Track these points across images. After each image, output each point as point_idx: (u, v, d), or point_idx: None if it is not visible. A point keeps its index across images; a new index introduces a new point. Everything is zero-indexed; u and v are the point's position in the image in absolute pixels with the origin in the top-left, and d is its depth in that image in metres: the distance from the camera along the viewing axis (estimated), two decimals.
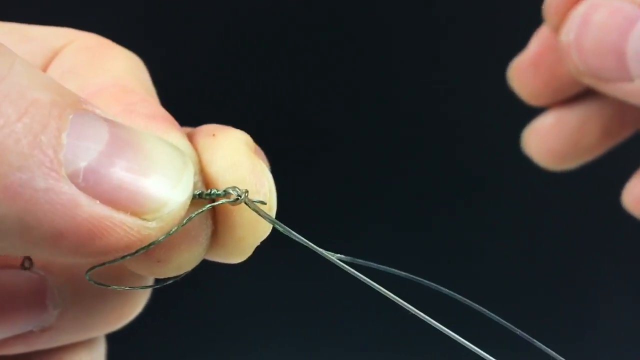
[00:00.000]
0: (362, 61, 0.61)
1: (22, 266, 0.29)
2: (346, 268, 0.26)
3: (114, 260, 0.23)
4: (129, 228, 0.22)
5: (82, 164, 0.21)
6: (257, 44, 0.61)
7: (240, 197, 0.25)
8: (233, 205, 0.25)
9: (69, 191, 0.20)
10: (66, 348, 0.31)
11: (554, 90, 0.41)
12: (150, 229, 0.22)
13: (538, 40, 0.40)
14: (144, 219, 0.22)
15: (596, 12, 0.34)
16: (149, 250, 0.23)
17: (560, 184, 0.63)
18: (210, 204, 0.25)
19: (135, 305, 0.32)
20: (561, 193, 0.63)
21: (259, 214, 0.25)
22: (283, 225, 0.26)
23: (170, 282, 0.26)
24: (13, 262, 0.29)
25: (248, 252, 0.27)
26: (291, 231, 0.26)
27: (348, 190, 0.63)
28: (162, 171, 0.22)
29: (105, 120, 0.22)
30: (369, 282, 0.26)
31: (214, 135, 0.26)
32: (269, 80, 0.61)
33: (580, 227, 0.64)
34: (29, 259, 0.29)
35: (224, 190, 0.25)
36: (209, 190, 0.25)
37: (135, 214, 0.22)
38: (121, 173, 0.21)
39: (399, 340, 0.65)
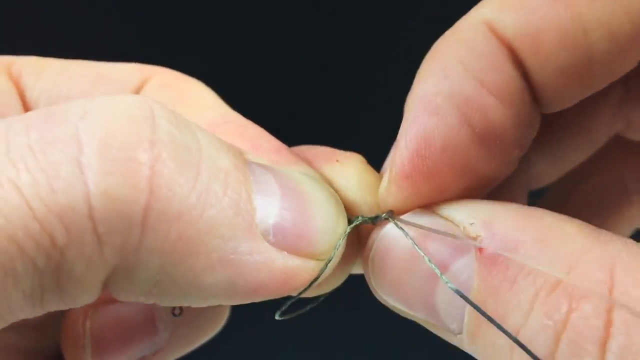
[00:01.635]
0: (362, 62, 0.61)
1: (172, 313, 0.30)
2: None
3: (296, 297, 0.26)
4: (312, 270, 0.24)
5: (271, 221, 0.23)
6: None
7: (388, 218, 0.27)
8: (376, 225, 0.27)
9: (266, 250, 0.23)
10: None
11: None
12: (315, 271, 0.25)
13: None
14: (319, 260, 0.25)
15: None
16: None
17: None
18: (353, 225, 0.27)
19: (225, 315, 0.34)
20: None
21: (404, 230, 0.27)
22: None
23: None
24: None
25: None
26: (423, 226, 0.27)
27: None
28: (325, 213, 0.25)
29: (266, 168, 0.25)
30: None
31: (337, 161, 0.28)
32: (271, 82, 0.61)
33: None
34: (180, 307, 0.30)
35: (376, 216, 0.27)
36: (363, 218, 0.27)
37: (312, 257, 0.24)
38: (299, 223, 0.24)
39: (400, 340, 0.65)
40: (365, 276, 0.28)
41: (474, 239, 0.25)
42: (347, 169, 0.28)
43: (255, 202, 0.23)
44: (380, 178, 0.28)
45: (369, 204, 0.28)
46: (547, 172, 0.37)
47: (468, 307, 0.24)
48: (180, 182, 0.21)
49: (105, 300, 0.30)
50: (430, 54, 0.28)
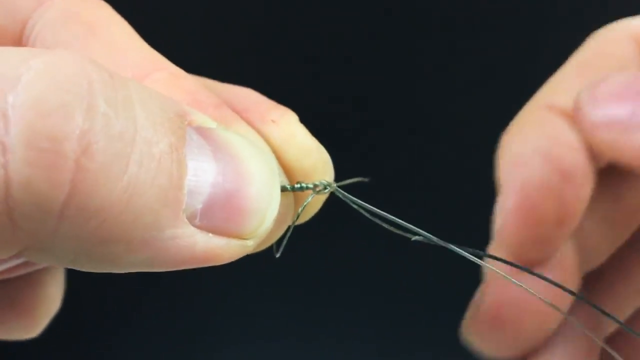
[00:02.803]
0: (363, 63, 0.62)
1: None
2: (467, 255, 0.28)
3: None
4: (236, 252, 0.24)
5: (199, 206, 0.23)
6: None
7: (328, 187, 0.27)
8: (318, 194, 0.27)
9: (190, 234, 0.22)
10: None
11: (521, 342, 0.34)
12: (250, 246, 0.24)
13: (493, 294, 0.33)
14: (246, 239, 0.24)
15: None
16: None
17: None
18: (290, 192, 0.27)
19: (38, 326, 0.35)
20: None
21: (349, 202, 0.28)
22: (374, 208, 0.28)
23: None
24: None
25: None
26: (381, 212, 0.28)
27: None
28: (259, 189, 0.24)
29: (207, 136, 0.23)
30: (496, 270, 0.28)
31: (273, 121, 0.27)
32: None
33: None
34: None
35: (313, 184, 0.27)
36: (299, 185, 0.27)
37: (240, 237, 0.24)
38: (230, 205, 0.23)
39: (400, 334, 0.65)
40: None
41: None
42: (283, 129, 0.27)
43: (185, 185, 0.22)
44: (315, 141, 0.27)
45: (305, 169, 0.27)
46: (602, 243, 0.35)
47: None
48: (106, 176, 0.20)
49: None
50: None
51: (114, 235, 0.21)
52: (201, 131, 0.23)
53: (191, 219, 0.22)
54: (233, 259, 0.24)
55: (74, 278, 0.37)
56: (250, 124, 0.27)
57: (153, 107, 0.22)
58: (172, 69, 0.27)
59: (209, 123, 0.24)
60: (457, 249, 0.27)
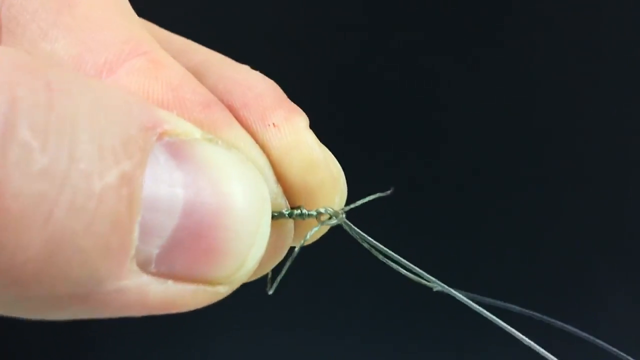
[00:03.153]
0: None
1: None
2: (465, 300, 0.24)
3: None
4: (205, 299, 0.19)
5: (155, 251, 0.18)
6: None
7: (336, 217, 0.22)
8: (323, 225, 0.22)
9: (140, 285, 0.18)
10: None
11: None
12: (222, 294, 0.19)
13: None
14: (218, 286, 0.19)
15: None
16: None
17: (563, 184, 0.63)
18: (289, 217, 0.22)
19: None
20: (563, 193, 0.63)
21: (358, 239, 0.23)
22: (385, 248, 0.23)
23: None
24: None
25: None
26: (393, 254, 0.23)
27: None
28: (240, 225, 0.19)
29: (180, 160, 0.18)
30: (490, 316, 0.24)
31: (275, 125, 0.22)
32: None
33: (581, 228, 0.64)
34: None
35: (317, 211, 0.22)
36: (300, 211, 0.22)
37: (210, 283, 0.19)
38: (198, 244, 0.18)
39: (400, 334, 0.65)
40: None
41: None
42: (286, 136, 0.22)
43: (137, 227, 0.17)
44: (325, 151, 0.22)
45: (309, 187, 0.22)
46: None
47: None
48: (22, 226, 0.16)
49: None
50: None
51: (38, 291, 0.17)
52: (174, 148, 0.18)
53: (144, 266, 0.18)
54: (203, 306, 0.19)
55: None
56: (246, 127, 0.22)
57: (106, 124, 0.17)
58: (154, 54, 0.22)
59: (190, 133, 0.19)
60: (475, 304, 0.24)
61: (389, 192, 0.24)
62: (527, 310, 0.28)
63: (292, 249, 0.23)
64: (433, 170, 0.63)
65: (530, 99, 0.62)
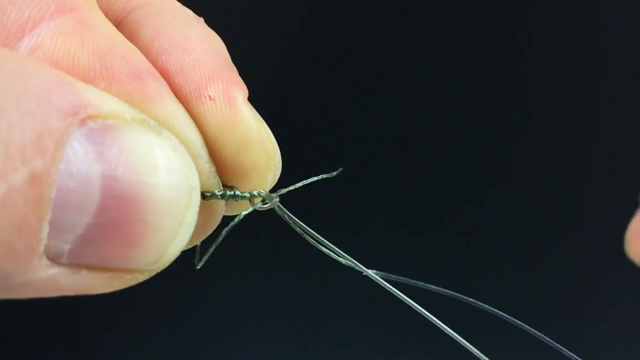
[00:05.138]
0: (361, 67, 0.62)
1: None
2: (382, 283, 0.24)
3: None
4: (121, 285, 0.18)
5: (67, 247, 0.17)
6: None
7: (269, 202, 0.21)
8: (256, 209, 0.21)
9: (48, 277, 0.17)
10: None
11: None
12: (140, 280, 0.19)
13: None
14: (135, 274, 0.18)
15: None
16: None
17: (564, 184, 0.63)
18: (222, 198, 0.21)
19: None
20: (565, 193, 0.63)
21: (289, 223, 0.22)
22: (315, 233, 0.23)
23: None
24: None
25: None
26: (323, 239, 0.23)
27: (353, 193, 0.63)
28: (161, 217, 0.18)
29: (100, 147, 0.17)
30: (404, 298, 0.24)
31: (211, 98, 0.20)
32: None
33: (584, 228, 0.64)
34: None
35: (250, 193, 0.21)
36: (232, 192, 0.21)
37: (126, 273, 0.18)
38: (115, 237, 0.17)
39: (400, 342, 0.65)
40: None
41: None
42: (221, 110, 0.20)
43: (46, 227, 0.16)
44: (266, 127, 0.21)
45: (243, 166, 0.21)
46: None
47: None
48: None
49: None
50: None
51: None
52: (96, 135, 0.17)
53: (56, 259, 0.17)
54: (118, 289, 0.18)
55: None
56: (181, 97, 0.20)
57: (17, 116, 0.15)
58: (82, 12, 0.19)
59: (118, 114, 0.17)
60: (406, 297, 0.24)
61: (334, 173, 0.23)
62: (439, 288, 0.28)
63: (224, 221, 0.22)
64: (433, 170, 0.63)
65: (531, 98, 0.61)
